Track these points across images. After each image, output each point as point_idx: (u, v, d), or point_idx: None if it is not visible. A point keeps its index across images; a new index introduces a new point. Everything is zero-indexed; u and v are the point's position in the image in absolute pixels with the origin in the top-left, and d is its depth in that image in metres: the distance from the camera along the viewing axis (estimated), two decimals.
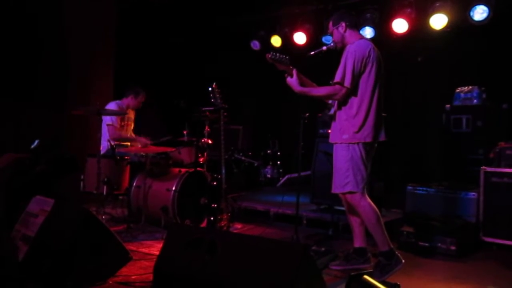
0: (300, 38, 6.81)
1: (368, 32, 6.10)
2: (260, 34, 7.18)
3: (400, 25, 5.89)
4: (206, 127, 4.67)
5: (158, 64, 7.00)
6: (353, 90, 3.14)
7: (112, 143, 4.62)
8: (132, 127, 5.43)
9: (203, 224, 4.13)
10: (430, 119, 6.09)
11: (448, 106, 5.21)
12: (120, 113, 4.99)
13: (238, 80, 7.69)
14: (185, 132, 4.86)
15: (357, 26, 3.41)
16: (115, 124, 4.98)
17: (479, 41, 5.62)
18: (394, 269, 3.07)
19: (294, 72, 3.23)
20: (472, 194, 4.31)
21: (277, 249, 2.34)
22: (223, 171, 3.79)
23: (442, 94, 5.80)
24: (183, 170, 4.47)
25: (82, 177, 4.45)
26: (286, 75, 3.27)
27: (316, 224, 4.70)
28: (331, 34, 3.40)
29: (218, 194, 3.73)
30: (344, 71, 3.10)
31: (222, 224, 3.75)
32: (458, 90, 5.22)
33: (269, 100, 7.78)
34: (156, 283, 2.62)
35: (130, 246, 3.52)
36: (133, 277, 2.99)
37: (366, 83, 3.14)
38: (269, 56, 3.17)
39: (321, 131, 5.06)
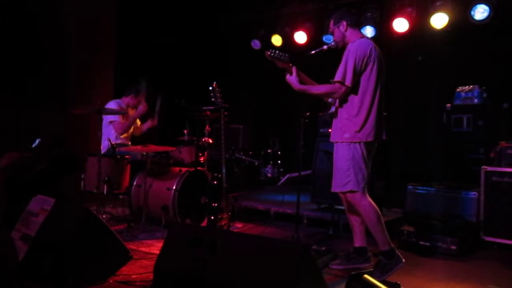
0: (300, 37, 6.81)
1: (368, 31, 6.09)
2: (261, 33, 7.17)
3: (400, 24, 5.88)
4: (207, 126, 4.67)
5: (158, 63, 6.99)
6: (354, 89, 3.13)
7: (113, 141, 4.62)
8: (138, 126, 5.43)
9: (204, 223, 4.13)
10: (431, 119, 6.08)
11: (448, 105, 5.20)
12: (121, 112, 4.99)
13: (239, 79, 7.69)
14: (185, 132, 4.86)
15: (358, 25, 3.41)
16: (118, 119, 4.99)
17: (480, 40, 5.61)
18: (394, 269, 3.07)
19: (294, 69, 3.23)
20: (473, 194, 4.31)
21: (278, 249, 2.34)
22: (224, 170, 3.79)
23: (442, 93, 5.79)
24: (183, 169, 4.47)
25: (82, 176, 4.46)
26: (286, 73, 3.26)
27: (317, 223, 4.71)
28: (332, 33, 3.39)
29: (218, 193, 3.73)
30: (345, 69, 3.10)
31: (223, 223, 3.75)
32: (458, 90, 5.22)
33: (270, 99, 7.78)
34: (157, 282, 2.62)
35: (131, 245, 3.53)
36: (133, 276, 2.99)
37: (367, 82, 3.14)
38: (269, 53, 3.17)
39: (321, 130, 5.06)
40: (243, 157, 6.89)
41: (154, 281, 2.64)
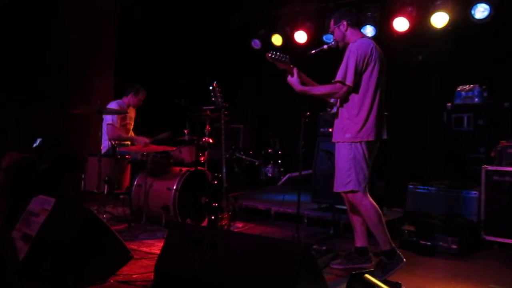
0: (300, 36, 6.80)
1: (369, 30, 6.08)
2: (261, 33, 7.17)
3: (401, 24, 5.87)
4: (207, 126, 4.67)
5: (159, 63, 6.99)
6: (355, 89, 3.13)
7: (113, 142, 4.63)
8: (132, 127, 5.44)
9: (204, 223, 4.13)
10: (431, 118, 6.08)
11: (449, 104, 5.20)
12: (121, 112, 4.99)
13: (239, 79, 7.68)
14: (186, 131, 4.86)
15: (358, 25, 3.41)
16: (116, 124, 4.99)
17: (480, 39, 5.60)
18: (395, 268, 3.07)
19: (295, 71, 3.22)
20: (474, 193, 4.30)
21: (278, 248, 2.33)
22: (224, 170, 3.79)
23: (443, 92, 5.78)
24: (184, 169, 4.47)
25: (83, 176, 4.45)
26: (287, 74, 3.26)
27: (317, 223, 4.70)
28: (332, 33, 3.39)
29: (219, 193, 3.73)
30: (346, 69, 3.09)
31: (223, 223, 3.75)
32: (459, 89, 5.21)
33: (270, 99, 7.77)
34: (157, 282, 2.62)
35: (131, 245, 3.53)
36: (134, 276, 2.99)
37: (368, 81, 3.13)
38: (269, 55, 3.16)
39: (322, 130, 5.05)
40: (244, 156, 6.89)
41: (154, 281, 2.64)
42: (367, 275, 2.53)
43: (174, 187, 4.22)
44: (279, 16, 7.04)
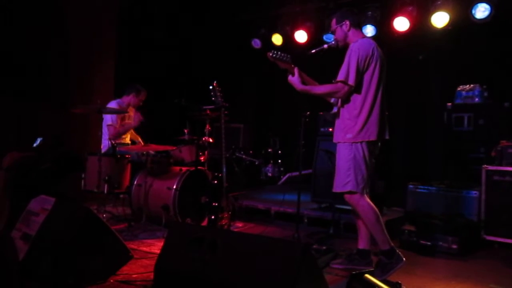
0: (301, 36, 6.80)
1: (369, 30, 6.08)
2: (261, 32, 7.17)
3: (401, 23, 5.87)
4: (207, 126, 4.66)
5: (159, 62, 6.99)
6: (356, 89, 3.13)
7: (113, 142, 4.62)
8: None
9: (204, 223, 4.12)
10: (432, 118, 6.08)
11: (449, 104, 5.19)
12: (121, 112, 4.99)
13: (239, 78, 7.68)
14: (186, 131, 4.86)
15: (359, 25, 3.41)
16: (115, 125, 4.99)
17: (481, 39, 5.60)
18: (395, 268, 3.07)
19: (296, 70, 3.22)
20: (474, 193, 4.30)
21: (278, 248, 2.33)
22: (224, 169, 3.79)
23: (443, 92, 5.78)
24: (184, 168, 4.46)
25: (83, 175, 4.45)
26: (288, 73, 3.26)
27: (317, 222, 4.70)
28: (333, 32, 3.38)
29: (219, 192, 3.72)
30: (347, 69, 3.09)
31: (223, 223, 3.75)
32: (459, 89, 5.21)
33: (270, 99, 7.77)
34: (157, 281, 2.62)
35: (131, 245, 3.52)
36: (134, 275, 2.98)
37: (370, 81, 3.13)
38: (271, 54, 3.16)
39: (322, 129, 5.05)
40: (244, 156, 6.88)
41: (154, 280, 2.63)
42: (367, 275, 2.52)
43: (174, 187, 4.22)
44: (279, 15, 7.04)
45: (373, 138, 3.14)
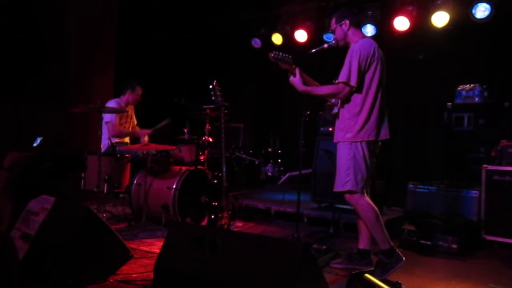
0: (301, 36, 6.80)
1: (369, 30, 6.08)
2: (261, 31, 7.16)
3: (401, 23, 5.87)
4: (207, 125, 4.66)
5: (159, 62, 6.98)
6: (357, 89, 3.13)
7: (112, 140, 4.62)
8: (134, 123, 5.44)
9: (204, 222, 4.11)
10: (432, 117, 6.08)
11: (449, 104, 5.19)
12: (120, 111, 4.99)
13: (239, 78, 7.68)
14: (185, 130, 4.85)
15: (359, 25, 3.40)
16: (114, 121, 4.99)
17: (481, 39, 5.60)
18: (395, 267, 3.07)
19: (297, 71, 3.22)
20: (474, 193, 4.30)
21: (278, 247, 2.33)
22: (224, 169, 3.79)
23: (443, 92, 5.78)
24: (183, 168, 4.46)
25: (82, 175, 4.45)
26: (289, 74, 3.26)
27: (317, 222, 4.70)
28: (333, 32, 3.38)
29: (218, 192, 3.72)
30: (349, 70, 3.09)
31: (223, 222, 3.74)
32: (459, 88, 5.21)
33: (270, 98, 7.77)
34: (157, 281, 2.61)
35: (131, 244, 3.52)
36: (134, 275, 2.98)
37: (370, 81, 3.13)
38: (272, 55, 3.16)
39: (322, 129, 5.05)
40: (244, 156, 6.88)
41: (154, 280, 2.63)
42: (367, 275, 2.52)
43: (174, 186, 4.22)
44: (279, 15, 7.04)
45: (372, 137, 3.14)
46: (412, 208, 4.57)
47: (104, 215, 4.25)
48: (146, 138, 5.12)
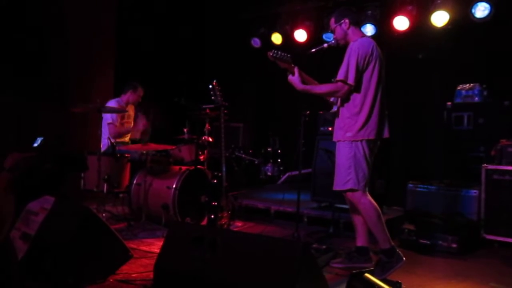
0: (300, 35, 6.80)
1: (369, 29, 6.08)
2: (261, 31, 7.17)
3: (401, 23, 5.87)
4: (207, 125, 4.66)
5: (158, 62, 6.98)
6: (356, 88, 3.13)
7: (113, 141, 4.61)
8: (133, 125, 5.44)
9: (204, 222, 4.12)
10: (431, 117, 6.07)
11: (449, 103, 5.20)
12: (120, 111, 4.98)
13: (239, 77, 7.68)
14: (185, 130, 4.85)
15: (358, 24, 3.40)
16: (115, 123, 5.00)
17: (481, 38, 5.60)
18: (395, 267, 3.07)
19: (296, 70, 3.22)
20: (474, 192, 4.30)
21: (278, 247, 2.33)
22: (224, 169, 3.78)
23: (443, 91, 5.78)
24: (183, 168, 4.46)
25: (82, 174, 4.45)
26: (288, 73, 3.26)
27: (317, 222, 4.70)
28: (333, 31, 3.38)
29: (218, 192, 3.72)
30: (347, 68, 3.09)
31: (223, 222, 3.74)
32: (459, 88, 5.21)
33: (270, 98, 7.77)
34: (157, 281, 2.61)
35: (131, 244, 3.52)
36: (133, 275, 2.98)
37: (369, 80, 3.13)
38: (271, 54, 3.16)
39: (321, 128, 5.05)
40: (243, 155, 6.88)
41: (154, 280, 2.63)
42: (367, 274, 2.52)
43: (174, 186, 4.21)
44: (279, 14, 7.04)
45: (372, 136, 3.14)
46: (412, 207, 4.57)
47: (103, 215, 4.25)
48: (144, 123, 5.10)
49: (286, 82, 3.28)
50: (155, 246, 3.67)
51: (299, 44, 6.79)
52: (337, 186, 3.22)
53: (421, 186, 4.59)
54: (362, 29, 5.58)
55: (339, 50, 3.36)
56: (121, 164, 4.49)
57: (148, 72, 6.54)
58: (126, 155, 4.60)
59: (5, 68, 5.01)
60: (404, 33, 5.93)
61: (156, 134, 5.18)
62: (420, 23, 5.85)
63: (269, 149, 7.23)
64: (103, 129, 4.71)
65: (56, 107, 5.35)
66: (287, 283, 2.16)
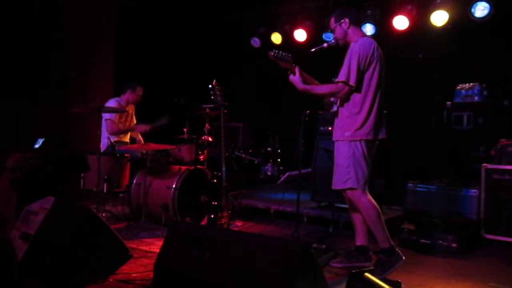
0: (300, 35, 6.80)
1: (368, 29, 6.08)
2: (260, 31, 7.17)
3: (401, 22, 5.87)
4: (206, 125, 4.66)
5: (158, 62, 6.98)
6: (357, 88, 3.13)
7: (112, 139, 4.61)
8: (134, 123, 5.44)
9: (204, 222, 4.12)
10: (431, 116, 6.08)
11: (449, 103, 5.20)
12: (120, 110, 4.99)
13: (238, 77, 7.68)
14: (185, 130, 4.85)
15: (359, 23, 3.40)
16: (113, 119, 5.00)
17: (481, 38, 5.60)
18: (394, 266, 3.07)
19: (297, 70, 3.22)
20: (473, 191, 4.30)
21: (278, 247, 2.33)
22: (224, 168, 3.78)
23: (443, 91, 5.79)
24: (183, 167, 4.46)
25: (82, 174, 4.45)
26: (289, 73, 3.26)
27: (317, 221, 4.70)
28: (333, 31, 3.37)
29: (218, 191, 3.72)
30: (349, 69, 3.09)
31: (223, 222, 3.74)
32: (459, 87, 5.21)
33: (270, 97, 7.77)
34: (157, 281, 2.61)
35: (131, 244, 3.52)
36: (133, 274, 2.98)
37: (370, 81, 3.13)
38: (272, 54, 3.16)
39: (321, 128, 5.05)
40: (243, 155, 6.88)
41: (154, 279, 2.63)
42: (366, 274, 2.52)
43: (174, 186, 4.21)
44: (278, 14, 7.04)
45: (371, 136, 3.14)
46: (411, 207, 4.57)
47: (103, 214, 4.25)
48: (146, 128, 5.11)
49: (286, 82, 3.28)
50: (155, 246, 3.67)
51: (299, 44, 6.79)
52: (337, 185, 3.22)
53: (421, 185, 4.60)
54: (362, 28, 5.58)
55: (339, 49, 3.36)
56: (121, 164, 4.49)
57: (148, 72, 6.54)
58: (126, 155, 4.60)
59: (4, 68, 5.01)
60: (404, 33, 5.94)
61: (156, 134, 5.18)
62: (420, 23, 5.85)
63: (269, 149, 7.23)
64: (102, 129, 4.72)
65: (55, 107, 5.35)
66: (287, 282, 2.16)
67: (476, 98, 5.06)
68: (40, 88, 5.36)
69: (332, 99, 3.48)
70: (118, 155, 4.47)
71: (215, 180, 3.78)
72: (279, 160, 7.21)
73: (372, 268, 3.11)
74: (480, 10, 5.33)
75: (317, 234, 4.33)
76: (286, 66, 3.23)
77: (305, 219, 4.79)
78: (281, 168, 7.16)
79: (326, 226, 4.47)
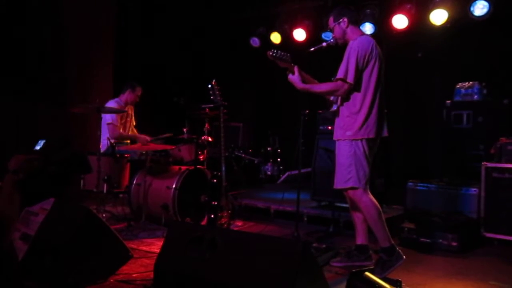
0: (299, 34, 6.79)
1: (368, 28, 6.08)
2: (260, 30, 7.16)
3: (400, 21, 5.87)
4: (206, 125, 4.66)
5: (157, 62, 6.98)
6: (356, 87, 3.13)
7: (112, 141, 4.61)
8: (133, 124, 5.45)
9: (204, 222, 4.12)
10: (431, 115, 6.08)
11: (448, 102, 5.20)
12: (120, 111, 4.98)
13: (238, 77, 7.68)
14: (185, 130, 4.85)
15: (357, 22, 3.40)
16: (115, 123, 5.00)
17: (480, 36, 5.60)
18: (395, 265, 3.07)
19: (296, 69, 3.22)
20: (473, 190, 4.30)
21: (278, 246, 2.33)
22: (223, 168, 3.78)
23: (442, 89, 5.79)
24: (183, 167, 4.46)
25: (82, 175, 4.44)
26: (288, 72, 3.26)
27: (317, 221, 4.70)
28: (332, 30, 3.37)
29: (218, 191, 3.72)
30: (347, 67, 3.09)
31: (223, 222, 3.74)
32: (458, 86, 5.21)
33: (269, 97, 7.77)
34: (157, 281, 2.61)
35: (131, 244, 3.52)
36: (134, 275, 2.98)
37: (369, 79, 3.13)
38: (270, 53, 3.16)
39: (321, 127, 5.04)
40: (243, 155, 6.88)
41: (154, 280, 2.63)
42: (367, 273, 2.52)
43: (174, 186, 4.21)
44: (278, 14, 7.04)
45: (372, 135, 3.14)
46: (412, 206, 4.57)
47: (103, 215, 4.26)
48: (147, 139, 5.13)
49: (285, 81, 3.28)
50: (155, 246, 3.67)
51: (298, 43, 6.78)
52: (338, 184, 3.22)
53: (421, 184, 4.60)
54: (361, 27, 5.58)
55: (338, 49, 3.36)
56: (121, 164, 4.49)
57: (147, 72, 6.54)
58: (126, 155, 4.60)
59: (4, 68, 5.01)
60: (403, 32, 5.93)
61: (156, 134, 5.18)
62: (419, 22, 5.85)
63: (268, 149, 7.23)
64: (102, 129, 4.72)
65: (55, 108, 5.35)
66: (287, 282, 2.16)
67: (475, 96, 5.06)
68: (40, 88, 5.36)
69: (332, 98, 3.47)
70: (118, 155, 4.47)
71: (215, 180, 3.78)
72: (279, 159, 7.21)
73: (373, 267, 3.11)
74: (479, 8, 5.33)
75: (317, 233, 4.33)
76: (285, 65, 3.23)
77: (305, 219, 4.79)
78: (281, 167, 7.16)
79: (326, 225, 4.47)
